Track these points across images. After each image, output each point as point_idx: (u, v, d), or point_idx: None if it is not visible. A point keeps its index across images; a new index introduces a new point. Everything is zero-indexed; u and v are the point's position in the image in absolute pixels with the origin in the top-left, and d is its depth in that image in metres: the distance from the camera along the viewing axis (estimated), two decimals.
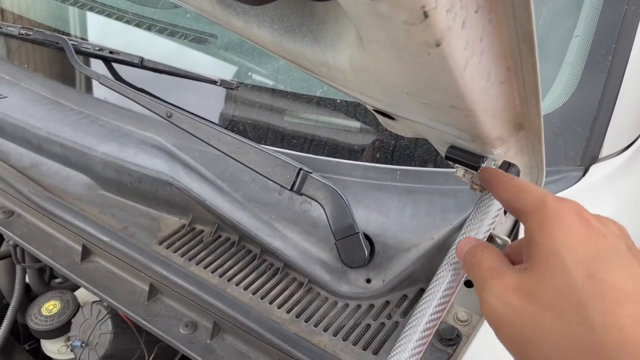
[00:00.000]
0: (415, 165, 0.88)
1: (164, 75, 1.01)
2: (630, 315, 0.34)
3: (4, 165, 1.05)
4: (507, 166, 0.52)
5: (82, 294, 1.09)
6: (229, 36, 1.06)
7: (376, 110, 0.59)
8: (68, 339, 1.01)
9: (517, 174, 0.53)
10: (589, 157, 0.84)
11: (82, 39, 1.12)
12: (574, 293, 0.36)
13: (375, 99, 0.53)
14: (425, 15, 0.30)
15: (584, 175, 0.83)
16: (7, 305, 1.05)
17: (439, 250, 0.73)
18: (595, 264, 0.36)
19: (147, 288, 0.84)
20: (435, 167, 0.87)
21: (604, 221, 0.40)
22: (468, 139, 0.51)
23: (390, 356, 0.49)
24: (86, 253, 0.91)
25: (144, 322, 0.81)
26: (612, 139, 0.86)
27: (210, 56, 1.10)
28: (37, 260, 1.07)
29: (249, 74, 1.01)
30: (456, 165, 0.58)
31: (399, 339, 0.49)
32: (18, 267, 1.07)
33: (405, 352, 0.48)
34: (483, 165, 0.54)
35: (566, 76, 0.87)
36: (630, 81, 0.86)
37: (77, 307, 1.02)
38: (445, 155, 0.57)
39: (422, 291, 0.77)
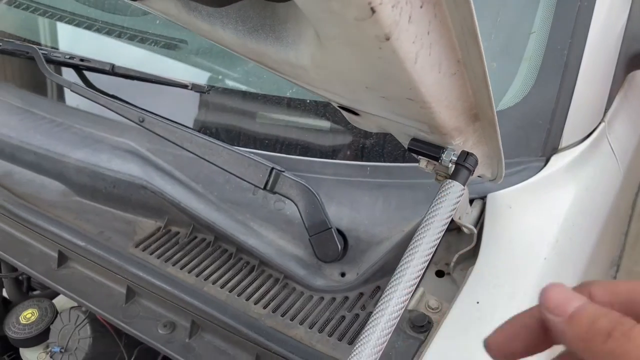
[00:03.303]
0: (384, 161, 0.90)
1: (136, 82, 1.02)
2: None
3: None
4: (465, 156, 0.55)
5: (60, 301, 1.09)
6: (199, 41, 1.07)
7: (341, 107, 0.61)
8: (47, 346, 1.01)
9: (476, 163, 0.56)
10: (550, 148, 0.88)
11: (52, 48, 1.13)
12: None
13: (338, 94, 0.55)
14: (373, 10, 0.32)
15: (545, 165, 0.86)
16: None
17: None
18: None
19: (124, 291, 0.85)
20: (404, 162, 0.90)
21: None
22: (427, 130, 0.54)
23: (358, 341, 0.51)
24: (62, 259, 0.92)
25: (122, 324, 0.82)
26: (571, 130, 0.90)
27: (181, 62, 1.11)
28: (14, 269, 1.07)
29: (220, 77, 1.02)
30: (419, 156, 0.61)
31: (366, 325, 0.51)
32: None
33: (373, 338, 0.50)
34: (443, 155, 0.56)
35: (525, 71, 0.90)
36: (586, 74, 0.90)
37: (55, 314, 1.02)
38: (408, 147, 0.59)
39: None
